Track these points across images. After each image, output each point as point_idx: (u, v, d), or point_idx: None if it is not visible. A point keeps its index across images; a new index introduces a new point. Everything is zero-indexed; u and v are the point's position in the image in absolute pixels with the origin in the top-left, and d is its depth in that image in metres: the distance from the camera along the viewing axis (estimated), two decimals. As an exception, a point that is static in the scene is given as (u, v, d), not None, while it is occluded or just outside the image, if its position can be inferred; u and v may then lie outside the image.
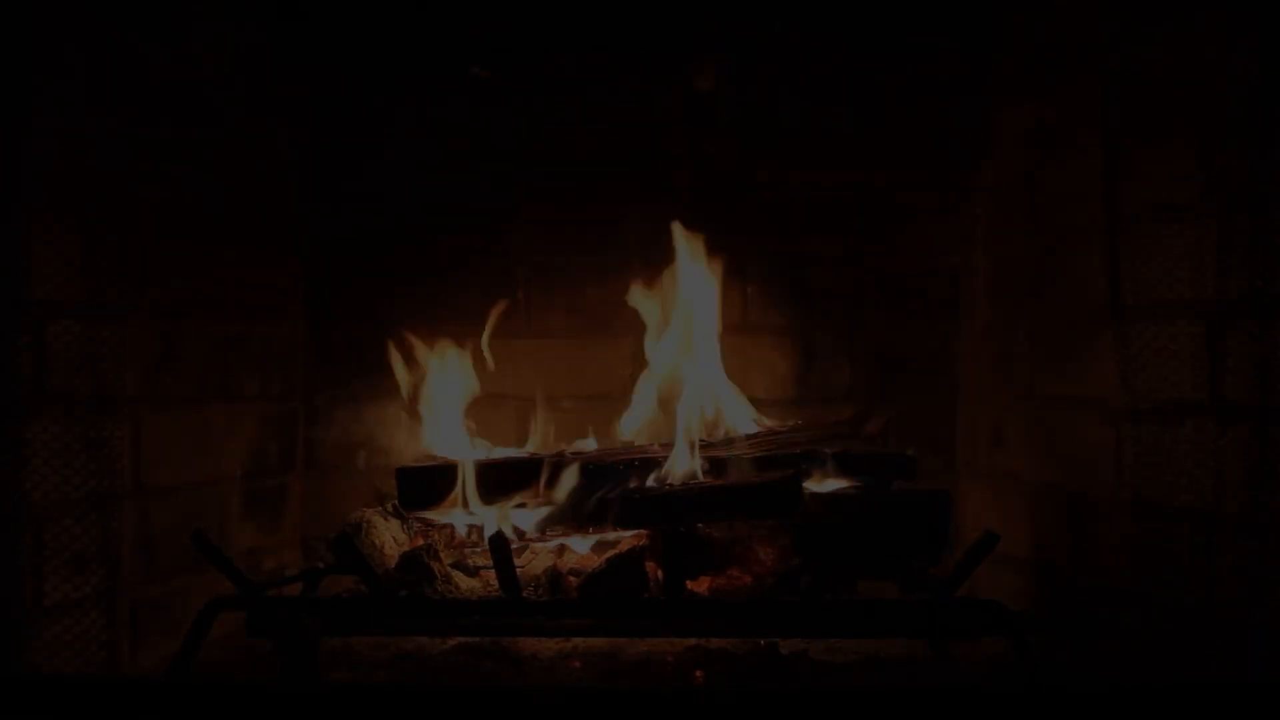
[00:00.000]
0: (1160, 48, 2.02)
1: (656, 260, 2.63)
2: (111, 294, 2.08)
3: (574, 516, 2.23)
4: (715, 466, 2.28)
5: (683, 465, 2.26)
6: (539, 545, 2.30)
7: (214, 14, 2.42)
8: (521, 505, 2.28)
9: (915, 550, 2.17)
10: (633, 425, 2.56)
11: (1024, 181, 2.54)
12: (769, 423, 2.53)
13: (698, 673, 2.13)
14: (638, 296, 2.60)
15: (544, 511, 2.26)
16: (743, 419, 2.54)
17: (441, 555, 2.18)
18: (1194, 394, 1.90)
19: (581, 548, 2.33)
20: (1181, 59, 1.96)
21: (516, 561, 2.10)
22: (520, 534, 2.28)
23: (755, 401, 2.59)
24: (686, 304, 2.57)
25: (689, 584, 2.12)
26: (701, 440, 2.35)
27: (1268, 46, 1.78)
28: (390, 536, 2.26)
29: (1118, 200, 2.11)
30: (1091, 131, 2.20)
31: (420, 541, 2.25)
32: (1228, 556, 1.82)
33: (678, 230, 2.55)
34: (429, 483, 2.30)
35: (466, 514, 2.32)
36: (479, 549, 2.31)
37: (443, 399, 2.61)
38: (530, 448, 2.56)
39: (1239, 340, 1.81)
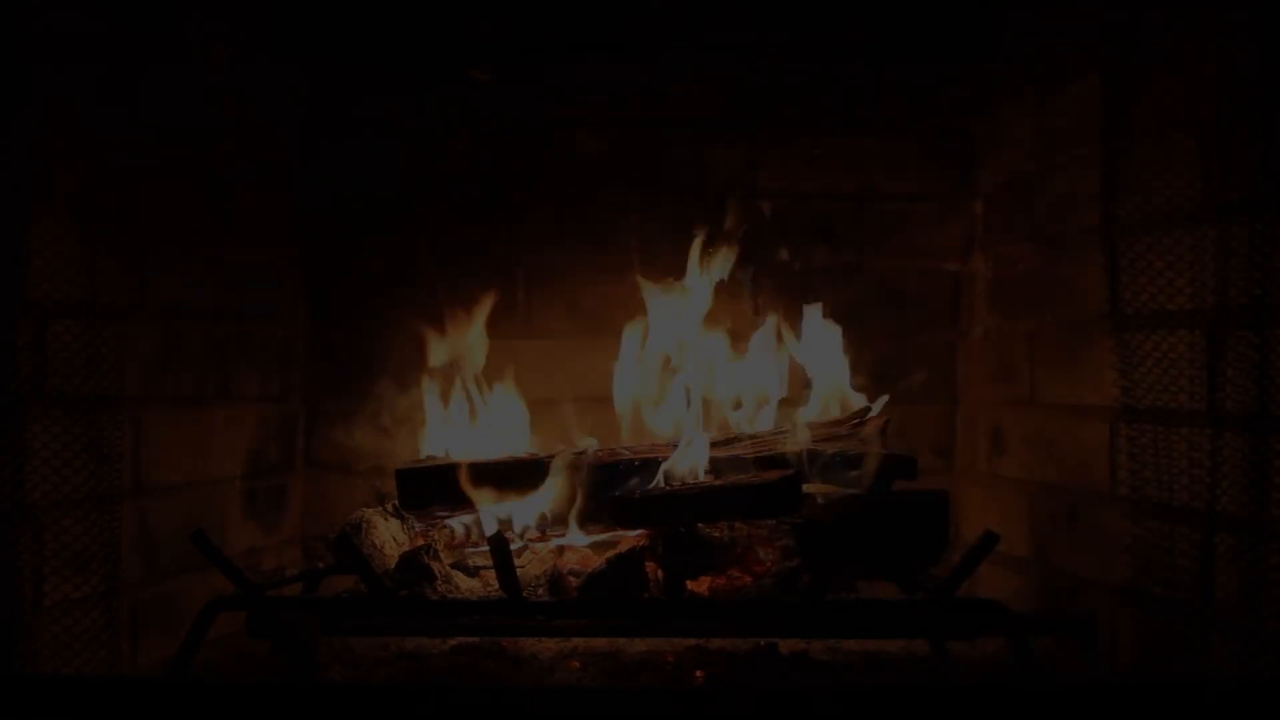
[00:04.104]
0: (1159, 54, 2.02)
1: (657, 262, 2.64)
2: (111, 294, 2.08)
3: (574, 517, 2.23)
4: (715, 466, 2.28)
5: (683, 465, 2.26)
6: (539, 545, 2.30)
7: (212, 13, 2.42)
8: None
9: (915, 550, 2.17)
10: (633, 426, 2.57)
11: (1024, 188, 2.54)
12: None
13: (698, 673, 2.13)
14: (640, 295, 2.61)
15: (544, 512, 2.26)
16: (742, 420, 2.54)
17: (441, 555, 2.18)
18: (1193, 401, 1.90)
19: (581, 547, 2.33)
20: (1181, 65, 1.96)
21: (516, 562, 2.10)
22: (521, 534, 2.28)
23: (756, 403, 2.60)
24: (687, 305, 2.57)
25: (689, 584, 2.12)
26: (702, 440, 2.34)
27: (1267, 53, 1.78)
28: (390, 536, 2.26)
29: (1117, 207, 2.12)
30: (1091, 138, 2.21)
31: (420, 541, 2.25)
32: (1226, 557, 1.83)
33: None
34: (429, 483, 2.30)
35: (467, 514, 2.32)
36: (479, 549, 2.31)
37: (443, 399, 2.61)
38: (530, 449, 2.55)
39: (1238, 349, 1.81)
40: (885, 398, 2.44)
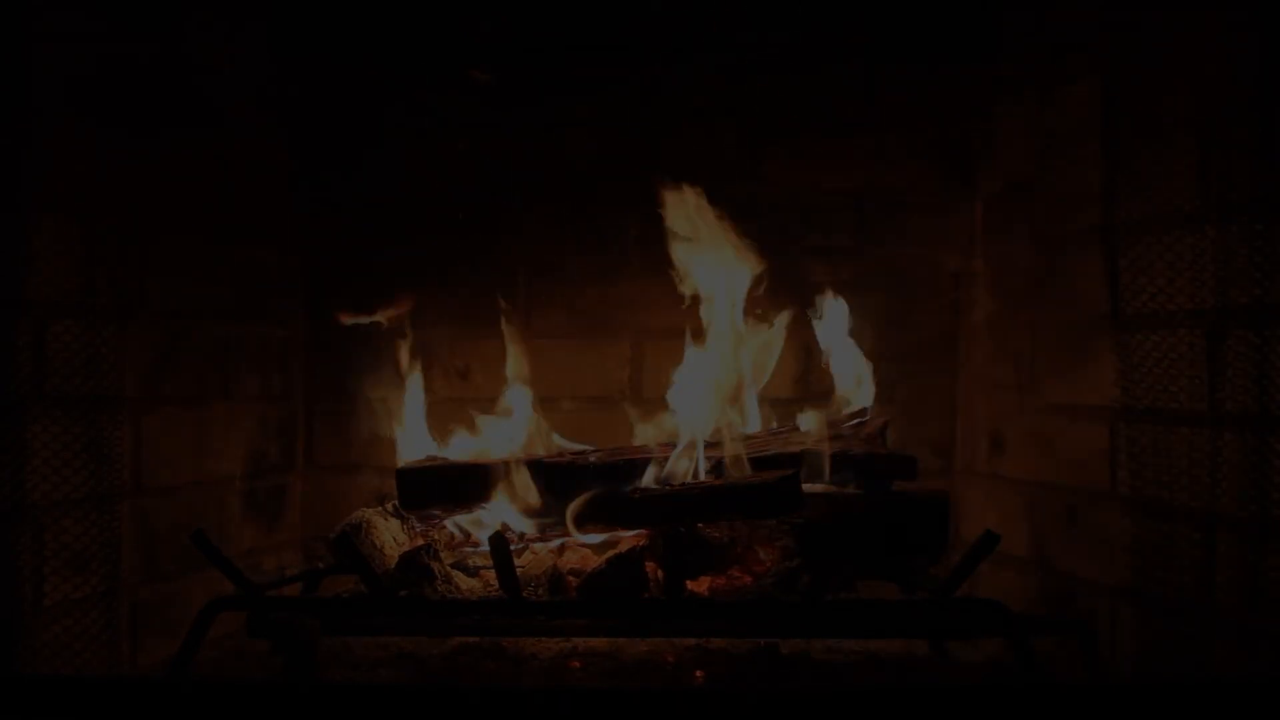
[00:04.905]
0: (1159, 54, 2.02)
1: (656, 261, 2.63)
2: (111, 294, 2.08)
3: (575, 516, 2.23)
4: (715, 466, 2.28)
5: (683, 465, 2.26)
6: (539, 545, 2.30)
7: (212, 14, 2.42)
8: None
9: (915, 550, 2.17)
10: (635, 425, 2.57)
11: (1024, 187, 2.54)
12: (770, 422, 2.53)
13: (698, 673, 2.13)
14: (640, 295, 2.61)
15: (544, 511, 2.26)
16: (743, 419, 2.54)
17: (441, 555, 2.18)
18: (1193, 401, 1.90)
19: (581, 547, 2.33)
20: (1181, 65, 1.96)
21: (516, 562, 2.10)
22: (521, 534, 2.28)
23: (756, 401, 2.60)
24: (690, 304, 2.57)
25: (689, 584, 2.12)
26: (702, 440, 2.34)
27: (1267, 53, 1.78)
28: (390, 536, 2.26)
29: (1117, 207, 2.11)
30: (1091, 137, 2.21)
31: (420, 541, 2.25)
32: (1226, 557, 1.83)
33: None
34: (429, 483, 2.30)
35: (467, 514, 2.32)
36: (479, 549, 2.31)
37: (443, 399, 2.61)
38: (530, 449, 2.55)
39: (1238, 349, 1.81)
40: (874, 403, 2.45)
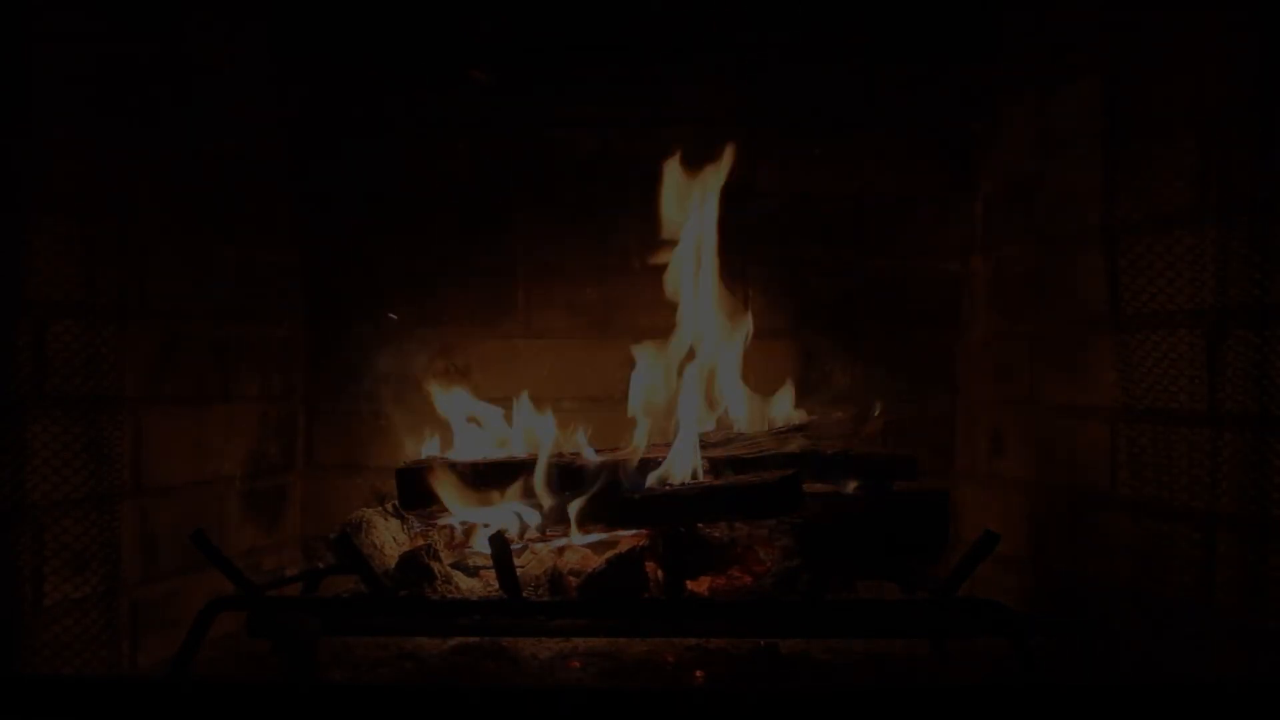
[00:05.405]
0: (1160, 54, 2.02)
1: (656, 261, 2.63)
2: (111, 294, 2.08)
3: (575, 516, 2.23)
4: (715, 466, 2.28)
5: (683, 465, 2.26)
6: (539, 545, 2.30)
7: (212, 14, 2.42)
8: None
9: (915, 550, 2.17)
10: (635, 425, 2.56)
11: (1024, 187, 2.54)
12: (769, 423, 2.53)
13: (698, 673, 2.13)
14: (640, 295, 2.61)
15: (545, 511, 2.26)
16: (743, 419, 2.54)
17: (441, 555, 2.18)
18: (1193, 401, 1.90)
19: (581, 547, 2.33)
20: (1181, 65, 1.96)
21: (516, 562, 2.10)
22: (521, 534, 2.28)
23: (755, 403, 2.59)
24: (688, 304, 2.57)
25: (689, 584, 2.12)
26: (701, 440, 2.34)
27: (1267, 53, 1.78)
28: (390, 536, 2.26)
29: (1117, 208, 2.12)
30: (1092, 138, 2.21)
31: (420, 541, 2.25)
32: (1226, 557, 1.83)
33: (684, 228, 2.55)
34: (429, 483, 2.30)
35: (466, 514, 2.32)
36: (479, 549, 2.31)
37: (443, 400, 2.61)
38: (530, 449, 2.55)
39: (1238, 349, 1.81)
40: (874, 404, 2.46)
